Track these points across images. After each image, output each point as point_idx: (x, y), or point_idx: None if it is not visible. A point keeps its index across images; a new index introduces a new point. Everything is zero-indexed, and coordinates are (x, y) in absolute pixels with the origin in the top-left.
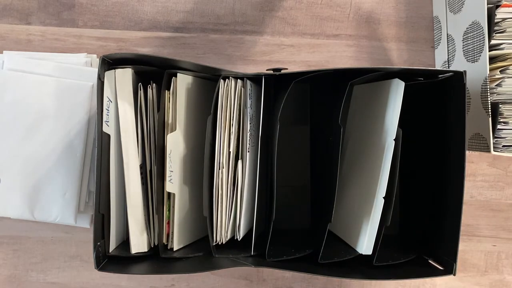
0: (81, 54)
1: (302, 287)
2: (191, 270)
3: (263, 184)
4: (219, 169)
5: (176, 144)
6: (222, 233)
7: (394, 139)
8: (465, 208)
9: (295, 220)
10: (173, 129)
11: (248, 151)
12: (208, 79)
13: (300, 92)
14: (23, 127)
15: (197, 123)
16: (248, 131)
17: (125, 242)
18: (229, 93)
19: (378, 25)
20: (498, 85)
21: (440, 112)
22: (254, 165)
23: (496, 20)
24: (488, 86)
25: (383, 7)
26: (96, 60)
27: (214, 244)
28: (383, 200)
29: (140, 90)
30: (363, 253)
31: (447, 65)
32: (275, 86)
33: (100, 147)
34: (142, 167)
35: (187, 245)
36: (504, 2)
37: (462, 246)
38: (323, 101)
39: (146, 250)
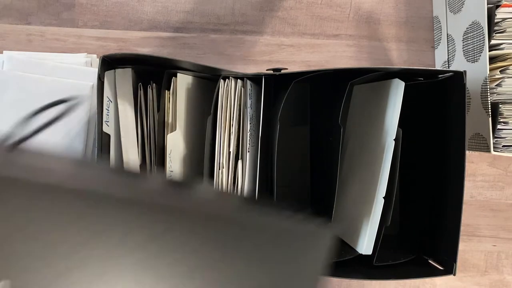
0: (81, 54)
1: None
2: None
3: (263, 184)
4: (219, 169)
5: (176, 144)
6: None
7: (394, 139)
8: (465, 208)
9: None
10: (173, 129)
11: (248, 151)
12: (208, 79)
13: (300, 92)
14: None
15: (197, 123)
16: (248, 131)
17: None
18: (229, 93)
19: (378, 25)
20: (498, 85)
21: (440, 112)
22: (254, 165)
23: (496, 20)
24: (488, 86)
25: (383, 7)
26: (96, 60)
27: None
28: (383, 200)
29: (140, 90)
30: (363, 253)
31: (447, 65)
32: (275, 86)
33: (100, 147)
34: (142, 167)
35: None
36: (504, 2)
37: (462, 246)
38: (323, 101)
39: None
